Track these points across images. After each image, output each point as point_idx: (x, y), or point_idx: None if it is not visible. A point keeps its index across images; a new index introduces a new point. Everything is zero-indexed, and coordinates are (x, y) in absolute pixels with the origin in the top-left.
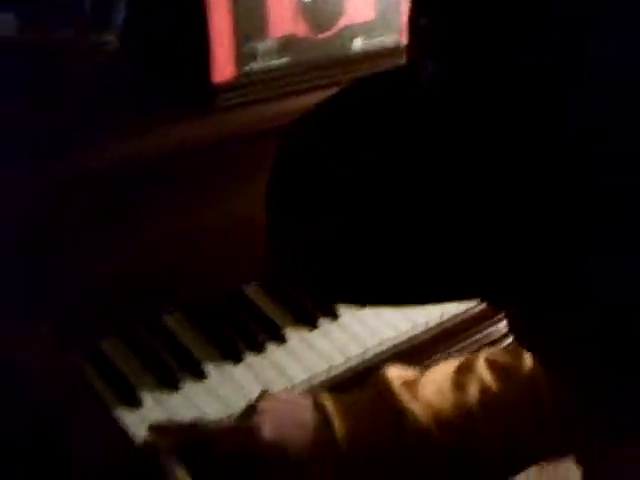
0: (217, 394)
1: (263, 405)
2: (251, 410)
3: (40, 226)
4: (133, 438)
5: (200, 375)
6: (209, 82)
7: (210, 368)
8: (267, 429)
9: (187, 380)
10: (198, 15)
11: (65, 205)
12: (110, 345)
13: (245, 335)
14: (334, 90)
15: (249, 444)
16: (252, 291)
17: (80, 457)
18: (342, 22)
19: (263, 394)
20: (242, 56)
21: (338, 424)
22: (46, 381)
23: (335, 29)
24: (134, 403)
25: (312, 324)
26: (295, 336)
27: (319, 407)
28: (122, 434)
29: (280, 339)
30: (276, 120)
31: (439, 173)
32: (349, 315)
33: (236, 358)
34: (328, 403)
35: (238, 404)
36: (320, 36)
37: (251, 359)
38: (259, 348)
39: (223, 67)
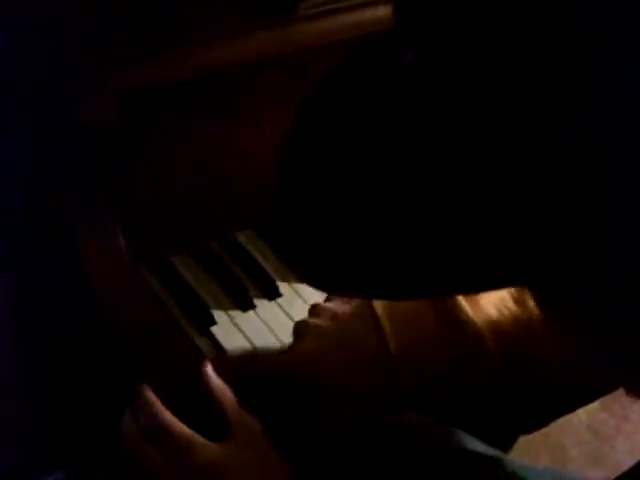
0: (289, 314)
1: (305, 324)
2: (296, 329)
3: (118, 137)
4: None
5: (274, 294)
6: None
7: (283, 287)
8: (306, 344)
9: (260, 299)
10: None
11: (141, 115)
12: (182, 262)
13: None
14: None
15: (293, 367)
16: None
17: (148, 368)
18: None
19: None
20: None
21: (390, 331)
22: (115, 290)
23: None
24: (207, 322)
25: None
26: None
27: (370, 311)
28: (193, 350)
29: None
30: (358, 30)
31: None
32: None
33: None
34: (380, 310)
35: None
36: None
37: None
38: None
39: None
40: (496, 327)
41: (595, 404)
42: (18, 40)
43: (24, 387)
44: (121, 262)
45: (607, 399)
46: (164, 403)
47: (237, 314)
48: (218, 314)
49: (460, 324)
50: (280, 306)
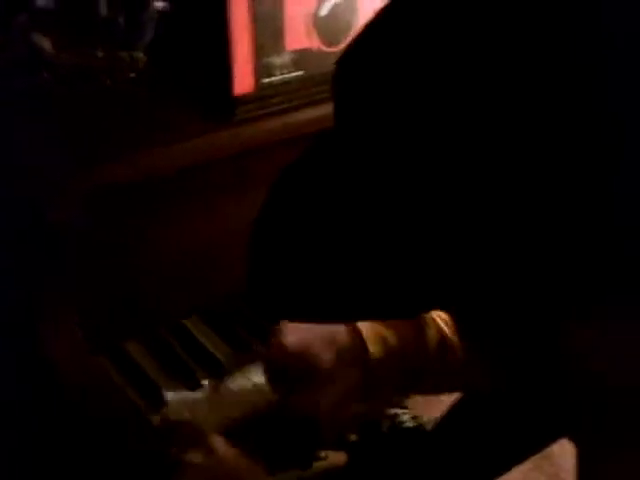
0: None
1: (286, 323)
2: (276, 330)
3: (81, 234)
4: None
5: (220, 374)
6: (230, 94)
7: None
8: (289, 339)
9: (207, 379)
10: (220, 33)
11: (91, 214)
12: (133, 347)
13: (260, 334)
14: None
15: (274, 360)
16: None
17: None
18: (353, 36)
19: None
20: (260, 69)
21: (373, 350)
22: (75, 377)
23: (346, 43)
24: (159, 401)
25: None
26: None
27: (353, 328)
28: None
29: None
30: (292, 131)
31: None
32: None
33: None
34: (363, 327)
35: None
36: (332, 49)
37: None
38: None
39: (243, 80)
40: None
41: (527, 464)
42: None
43: None
44: (80, 349)
45: (538, 458)
46: None
47: (185, 394)
48: (169, 395)
49: (428, 334)
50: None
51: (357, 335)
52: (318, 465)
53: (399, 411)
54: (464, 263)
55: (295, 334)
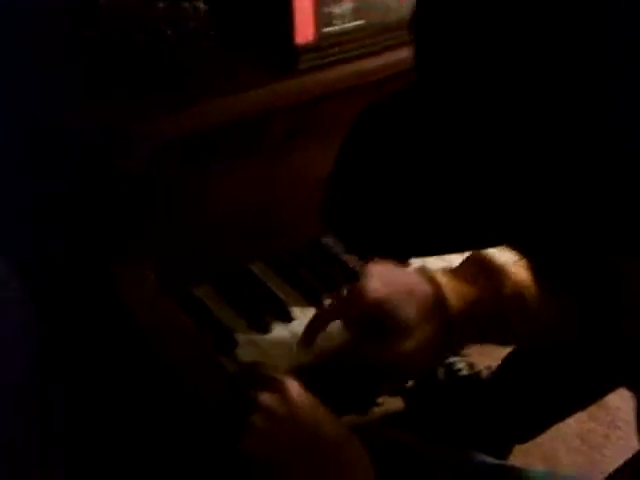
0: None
1: (371, 268)
2: (361, 275)
3: (140, 184)
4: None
5: (287, 317)
6: (292, 44)
7: (295, 311)
8: (373, 289)
9: (276, 322)
10: None
11: (160, 163)
12: (203, 293)
13: (324, 281)
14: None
15: (358, 305)
16: (330, 241)
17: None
18: None
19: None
20: (321, 19)
21: (452, 302)
22: (151, 320)
23: None
24: (230, 344)
25: None
26: None
27: (432, 281)
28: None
29: None
30: (352, 80)
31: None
32: None
33: (317, 302)
34: (442, 280)
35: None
36: None
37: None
38: (338, 293)
39: (304, 30)
40: (529, 287)
41: (583, 414)
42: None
43: None
44: (154, 293)
45: (594, 408)
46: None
47: (256, 336)
48: (240, 337)
49: (504, 284)
50: (293, 329)
51: (437, 288)
52: (375, 411)
53: (455, 359)
54: (525, 199)
55: (378, 283)
